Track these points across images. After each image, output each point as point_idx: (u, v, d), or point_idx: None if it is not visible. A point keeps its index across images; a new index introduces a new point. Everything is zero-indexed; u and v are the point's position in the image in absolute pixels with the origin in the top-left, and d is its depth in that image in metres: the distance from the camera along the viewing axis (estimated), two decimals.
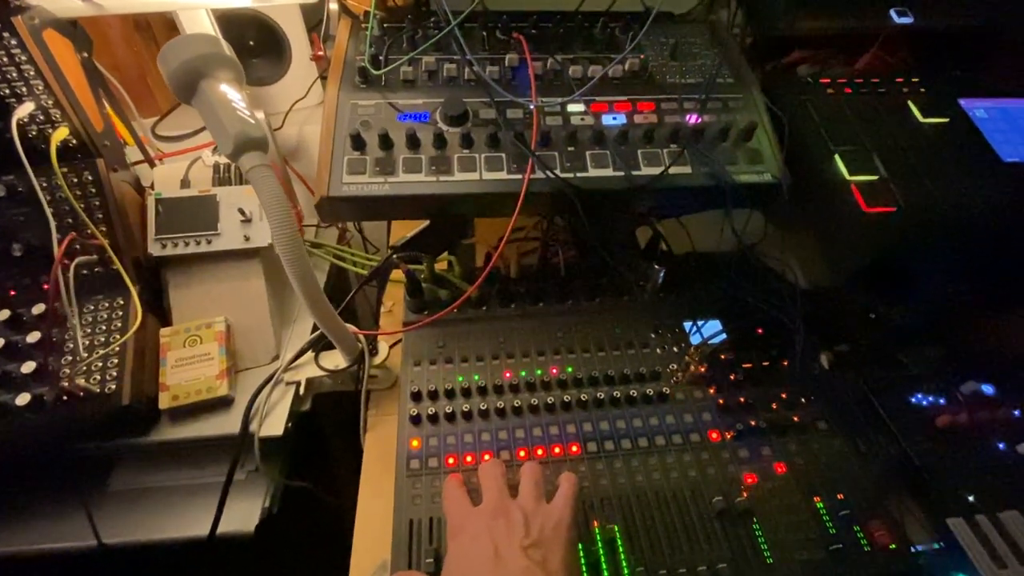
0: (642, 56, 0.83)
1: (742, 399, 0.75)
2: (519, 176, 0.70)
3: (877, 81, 0.80)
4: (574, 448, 0.69)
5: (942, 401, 0.77)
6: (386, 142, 0.71)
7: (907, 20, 0.91)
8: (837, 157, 0.70)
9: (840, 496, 0.66)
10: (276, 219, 0.59)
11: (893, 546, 0.62)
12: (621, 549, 0.61)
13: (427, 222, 0.91)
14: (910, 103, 0.77)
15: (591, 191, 0.70)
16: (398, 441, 0.70)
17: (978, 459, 0.72)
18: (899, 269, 0.68)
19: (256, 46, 1.13)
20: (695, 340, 0.81)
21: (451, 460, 0.68)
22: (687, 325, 0.83)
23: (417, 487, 0.66)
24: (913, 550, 0.64)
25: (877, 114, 0.75)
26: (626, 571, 0.59)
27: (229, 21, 1.01)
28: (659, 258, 0.86)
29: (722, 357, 0.80)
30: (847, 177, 0.68)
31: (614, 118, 0.76)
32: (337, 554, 0.66)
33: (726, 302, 0.86)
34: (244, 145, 0.59)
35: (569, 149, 0.73)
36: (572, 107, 0.77)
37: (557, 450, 0.69)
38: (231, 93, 0.61)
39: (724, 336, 0.82)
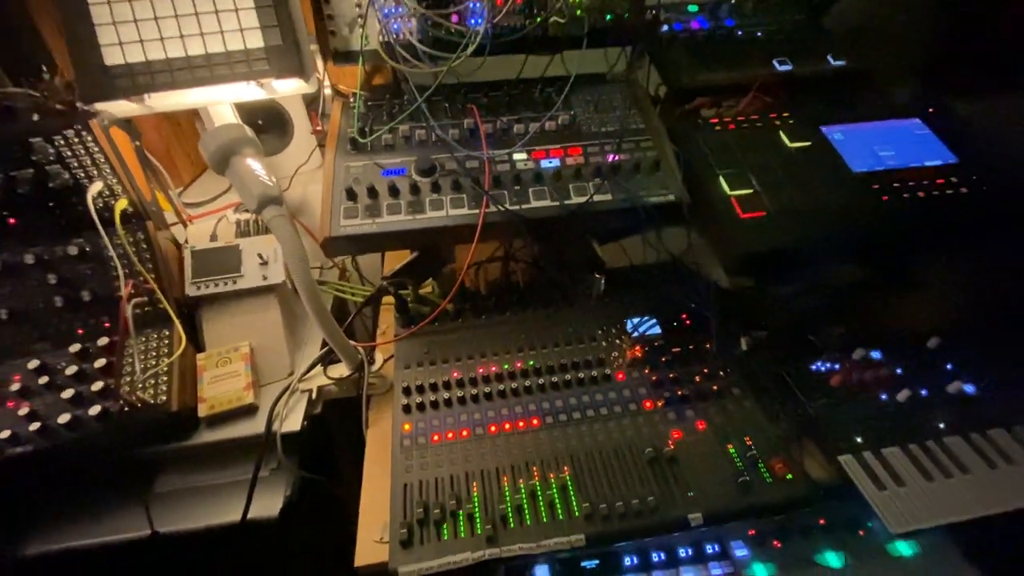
0: (572, 112, 1.05)
1: (671, 375, 0.92)
2: (477, 211, 0.90)
3: (756, 117, 1.01)
4: (535, 422, 0.86)
5: (837, 366, 0.94)
6: (372, 192, 0.92)
7: (787, 68, 1.15)
8: (721, 178, 0.90)
9: (748, 442, 0.82)
10: (291, 253, 0.78)
11: (790, 476, 0.78)
12: (571, 492, 0.77)
13: (414, 254, 1.11)
14: (780, 132, 0.98)
15: (534, 219, 0.90)
16: (393, 426, 0.87)
17: (865, 409, 0.88)
18: (778, 261, 0.86)
19: (264, 124, 1.36)
20: (633, 332, 0.99)
21: (436, 437, 0.85)
22: (627, 322, 1.01)
23: (409, 460, 0.82)
24: (811, 482, 0.80)
25: (754, 143, 0.96)
26: (575, 507, 0.75)
27: (242, 106, 1.24)
28: (598, 269, 1.05)
29: (655, 344, 0.97)
30: (728, 192, 0.88)
31: (550, 162, 0.97)
32: (342, 531, 0.81)
33: (660, 301, 1.04)
34: (265, 201, 0.79)
35: (516, 188, 0.94)
36: (517, 155, 0.98)
37: (521, 424, 0.86)
38: (254, 164, 0.83)
39: (657, 328, 1.00)
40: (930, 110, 1.03)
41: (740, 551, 0.92)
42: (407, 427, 0.86)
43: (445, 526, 0.74)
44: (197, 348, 0.99)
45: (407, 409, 0.89)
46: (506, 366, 0.94)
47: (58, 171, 0.87)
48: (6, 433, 0.79)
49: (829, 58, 1.14)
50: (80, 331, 0.91)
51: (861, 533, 0.94)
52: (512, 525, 0.74)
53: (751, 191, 0.88)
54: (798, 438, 0.86)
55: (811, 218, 0.85)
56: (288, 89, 0.98)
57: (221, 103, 1.00)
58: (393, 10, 0.98)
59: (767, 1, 1.27)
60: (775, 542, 0.93)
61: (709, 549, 0.93)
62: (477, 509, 0.75)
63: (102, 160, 0.88)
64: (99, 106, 0.90)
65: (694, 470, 0.79)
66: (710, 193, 0.89)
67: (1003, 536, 0.91)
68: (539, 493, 0.76)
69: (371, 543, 0.77)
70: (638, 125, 1.03)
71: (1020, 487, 0.78)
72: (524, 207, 0.92)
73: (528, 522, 0.74)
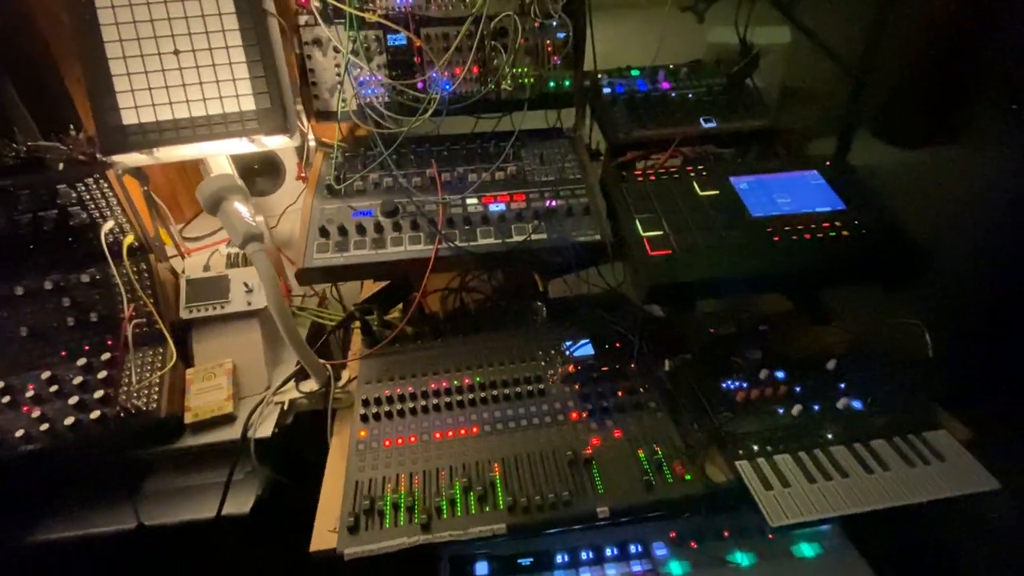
0: (520, 163, 1.23)
1: (598, 390, 1.05)
2: (431, 247, 1.06)
3: (675, 170, 1.18)
4: (474, 429, 0.99)
5: (744, 385, 1.07)
6: (342, 231, 1.08)
7: (711, 125, 1.33)
8: (636, 221, 1.06)
9: (657, 449, 0.95)
10: (267, 282, 0.94)
11: (688, 477, 0.91)
12: (499, 488, 0.89)
13: (384, 283, 1.27)
14: (694, 183, 1.14)
15: (479, 254, 1.06)
16: (351, 433, 1.00)
17: (763, 421, 1.01)
18: (681, 292, 1.01)
19: (260, 168, 1.55)
20: (568, 353, 1.13)
21: (387, 443, 0.98)
22: (564, 344, 1.15)
23: (362, 461, 0.95)
24: (710, 483, 0.92)
25: (669, 191, 1.12)
26: (500, 501, 0.87)
27: (241, 154, 1.42)
28: (541, 298, 1.20)
29: (588, 364, 1.11)
30: (641, 234, 1.04)
31: (497, 206, 1.14)
32: (307, 527, 0.92)
33: (596, 327, 1.18)
34: (248, 239, 0.95)
35: (466, 227, 1.10)
36: (469, 200, 1.15)
37: (462, 431, 0.99)
38: (241, 207, 0.99)
39: (591, 349, 1.14)
40: (827, 163, 1.20)
41: (660, 551, 1.04)
42: (363, 434, 1.00)
43: (387, 516, 0.86)
44: (187, 363, 1.13)
45: (364, 418, 1.02)
46: (455, 382, 1.07)
47: (78, 212, 1.03)
48: (20, 432, 0.92)
49: (749, 118, 1.33)
50: (87, 347, 1.05)
51: (771, 537, 1.06)
52: (445, 516, 0.86)
53: (661, 232, 1.04)
54: (706, 447, 0.99)
55: (710, 256, 1.00)
56: (275, 144, 1.16)
57: (218, 155, 1.18)
58: (366, 79, 1.16)
59: (699, 67, 1.47)
60: (692, 543, 1.05)
61: (633, 549, 1.05)
62: (416, 502, 0.88)
63: (115, 203, 1.05)
64: (116, 158, 1.08)
65: (606, 471, 0.92)
66: (628, 234, 1.05)
67: (895, 540, 1.03)
68: (471, 489, 0.89)
69: (325, 532, 0.88)
70: (575, 175, 1.20)
71: (889, 489, 0.89)
72: (471, 244, 1.07)
73: (459, 513, 0.86)
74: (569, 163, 1.22)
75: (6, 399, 0.96)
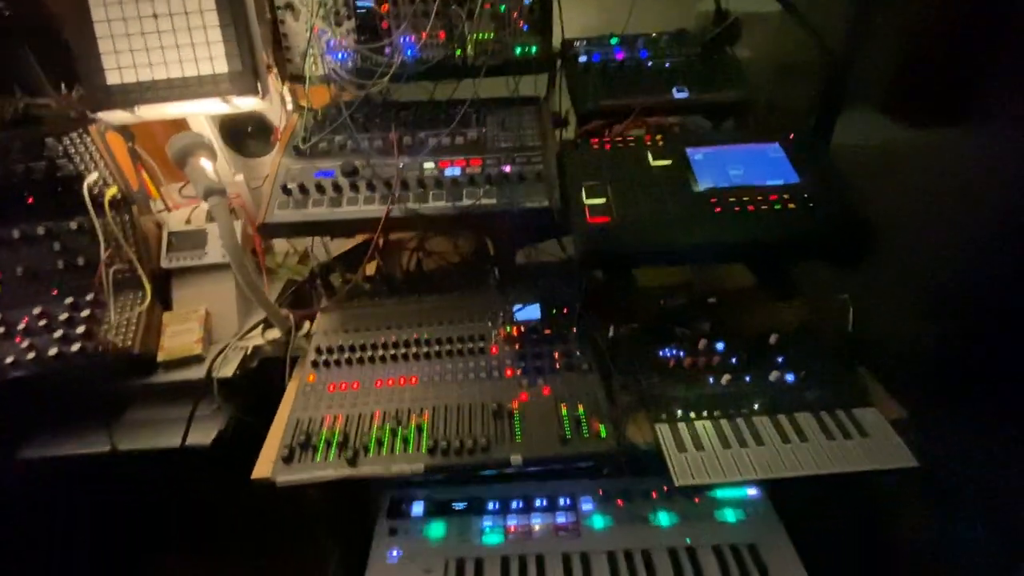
0: (483, 129, 1.25)
1: (536, 351, 1.10)
2: (384, 207, 1.11)
3: (632, 139, 1.18)
4: (413, 380, 1.06)
5: (682, 354, 1.09)
6: (303, 189, 1.14)
7: (683, 95, 1.32)
8: (583, 188, 1.08)
9: (580, 407, 0.99)
10: (225, 233, 1.01)
11: (603, 434, 0.95)
12: (424, 432, 0.96)
13: (355, 242, 1.33)
14: (648, 153, 1.15)
15: (429, 216, 1.10)
16: (300, 377, 1.08)
17: (690, 389, 1.03)
18: (616, 259, 1.03)
19: (253, 131, 1.61)
20: (515, 316, 1.17)
21: (331, 387, 1.05)
22: (513, 307, 1.19)
23: (307, 401, 1.03)
24: (624, 442, 0.96)
25: (620, 161, 1.13)
26: (424, 442, 0.94)
27: (234, 116, 1.49)
28: (494, 263, 1.24)
29: (532, 326, 1.15)
30: (584, 201, 1.06)
31: (453, 170, 1.17)
32: None
33: (546, 292, 1.22)
34: (209, 192, 1.03)
35: (419, 190, 1.14)
36: (427, 164, 1.19)
37: (402, 381, 1.06)
38: (205, 163, 1.07)
39: (538, 314, 1.18)
40: (791, 136, 1.17)
41: (587, 505, 1.10)
42: (311, 378, 1.08)
43: (320, 451, 0.94)
44: (168, 308, 1.24)
45: (315, 364, 1.10)
46: (403, 336, 1.14)
47: (65, 164, 1.13)
48: (11, 359, 1.04)
49: (725, 89, 1.30)
50: (75, 287, 1.16)
51: (696, 501, 1.10)
52: (371, 454, 0.93)
53: (603, 200, 1.06)
54: (632, 410, 1.02)
55: (647, 226, 1.02)
56: (247, 105, 1.22)
57: (195, 115, 1.26)
58: (333, 42, 1.21)
59: (682, 36, 1.44)
60: (619, 501, 1.10)
61: (561, 501, 1.10)
62: (348, 440, 0.95)
63: (98, 157, 1.14)
64: (100, 115, 1.16)
65: (527, 424, 0.97)
66: (573, 201, 1.07)
67: (821, 514, 1.05)
68: (399, 432, 0.96)
69: (267, 463, 0.97)
70: (534, 143, 1.22)
71: (801, 459, 0.91)
72: (422, 206, 1.12)
73: (384, 452, 0.93)
74: (530, 130, 1.24)
75: (1, 330, 1.08)
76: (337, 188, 1.14)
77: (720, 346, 1.11)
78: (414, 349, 1.11)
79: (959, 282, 0.95)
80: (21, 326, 1.09)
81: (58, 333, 1.08)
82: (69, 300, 1.13)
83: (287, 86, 1.31)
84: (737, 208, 1.04)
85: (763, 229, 1.02)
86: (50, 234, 1.16)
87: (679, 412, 1.00)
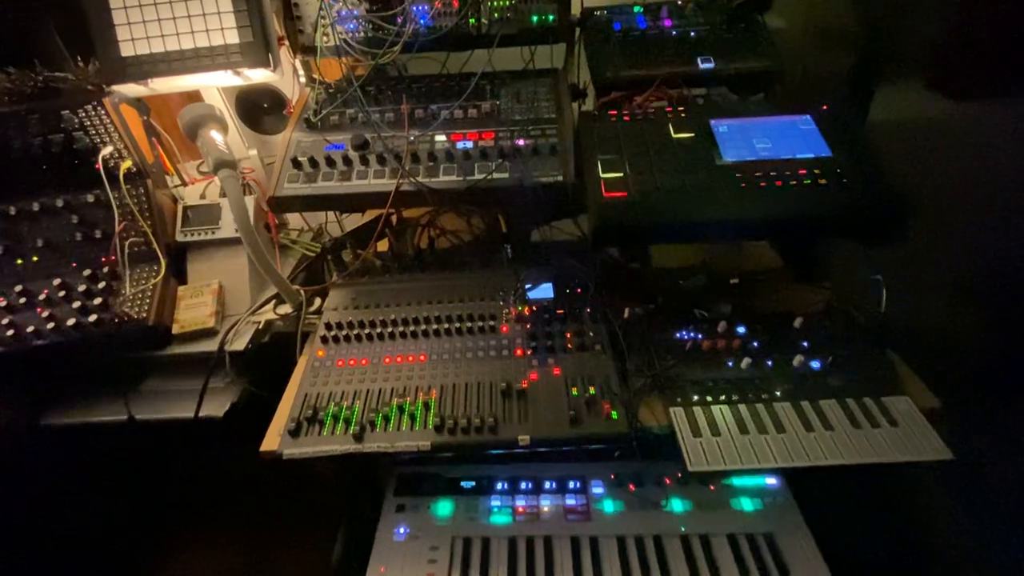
0: (497, 101, 1.21)
1: (547, 330, 1.07)
2: (394, 181, 1.09)
3: (652, 111, 1.13)
4: (422, 357, 1.04)
5: (699, 336, 1.05)
6: (313, 163, 1.12)
7: (709, 65, 1.25)
8: (599, 162, 1.03)
9: (591, 388, 0.96)
10: (234, 206, 1.00)
11: (615, 415, 0.92)
12: (432, 409, 0.94)
13: (367, 219, 1.31)
14: (670, 125, 1.09)
15: (439, 190, 1.08)
16: (309, 351, 1.07)
17: (708, 372, 0.99)
18: (632, 235, 0.99)
19: (269, 107, 1.60)
20: (527, 295, 1.14)
21: (340, 363, 1.05)
22: (525, 286, 1.16)
23: (315, 376, 1.03)
24: (637, 425, 0.92)
25: (640, 133, 1.08)
26: (431, 419, 0.92)
27: (249, 91, 1.48)
28: (507, 240, 1.21)
29: (544, 306, 1.12)
30: (600, 175, 1.01)
31: (464, 143, 1.14)
32: None
33: (559, 272, 1.18)
34: (220, 164, 1.02)
35: (429, 164, 1.11)
36: (438, 137, 1.15)
37: (411, 358, 1.04)
38: (216, 135, 1.06)
39: (551, 293, 1.15)
40: (824, 108, 1.10)
41: (597, 488, 1.07)
42: (321, 353, 1.07)
43: (327, 425, 0.93)
44: (183, 282, 1.25)
45: (324, 340, 1.09)
46: (413, 314, 1.12)
47: (81, 136, 1.14)
48: (31, 328, 1.06)
49: (752, 58, 1.23)
50: (93, 260, 1.18)
51: (712, 488, 1.06)
52: (378, 429, 0.92)
53: (620, 174, 1.01)
54: (646, 393, 0.99)
55: (665, 200, 0.97)
56: (259, 77, 1.21)
57: (208, 87, 1.25)
58: (343, 14, 1.18)
59: (710, 4, 1.36)
60: (631, 486, 1.07)
61: (571, 484, 1.08)
62: (354, 416, 0.94)
63: (112, 129, 1.14)
64: (115, 87, 1.16)
65: (537, 404, 0.94)
66: (589, 176, 1.03)
67: (834, 498, 1.00)
68: (405, 408, 0.94)
69: (275, 436, 0.97)
70: (550, 115, 1.18)
71: (825, 448, 0.86)
72: (432, 180, 1.09)
73: (391, 428, 0.92)
74: (546, 102, 1.20)
75: (23, 300, 1.10)
76: (347, 161, 1.12)
77: (741, 329, 1.06)
78: (424, 326, 1.09)
79: (1000, 265, 0.88)
80: (42, 297, 1.11)
81: (76, 304, 1.10)
82: (87, 272, 1.15)
83: (299, 58, 1.29)
84: (763, 183, 0.98)
85: (792, 205, 0.96)
86: (68, 207, 1.17)
87: (695, 396, 0.96)
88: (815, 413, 0.92)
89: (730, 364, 1.00)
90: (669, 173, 1.01)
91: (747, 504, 1.03)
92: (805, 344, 1.02)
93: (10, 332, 1.06)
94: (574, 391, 0.96)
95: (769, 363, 0.99)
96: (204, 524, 1.32)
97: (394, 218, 1.39)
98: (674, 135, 1.08)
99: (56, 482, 1.18)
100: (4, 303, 1.10)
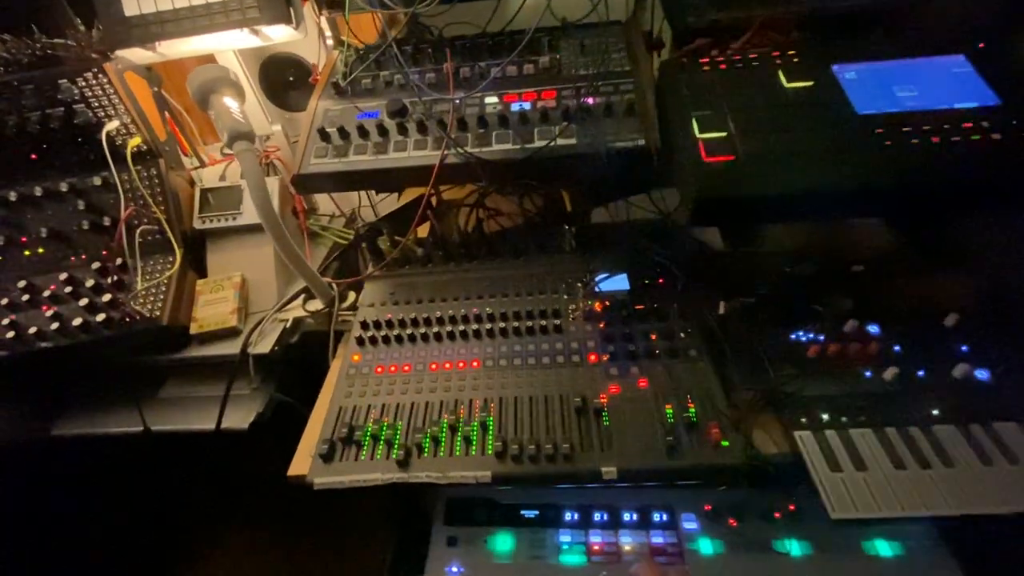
0: (557, 55, 1.01)
1: (625, 331, 0.87)
2: (437, 152, 0.91)
3: (754, 57, 0.90)
4: (475, 363, 0.87)
5: (821, 338, 0.84)
6: (343, 133, 0.95)
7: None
8: (694, 120, 0.82)
9: (690, 405, 0.76)
10: (254, 185, 0.84)
11: (725, 443, 0.72)
12: (490, 430, 0.76)
13: (406, 201, 1.14)
14: (780, 72, 0.87)
15: (491, 161, 0.89)
16: (344, 356, 0.91)
17: (840, 385, 0.78)
18: (743, 210, 0.78)
19: (294, 81, 1.44)
20: (597, 287, 0.95)
21: (379, 369, 0.88)
22: (595, 276, 0.96)
23: (351, 386, 0.86)
24: (754, 454, 0.72)
25: (744, 83, 0.86)
26: (489, 443, 0.75)
27: (272, 61, 1.33)
28: (572, 223, 1.01)
29: (618, 300, 0.93)
30: (697, 135, 0.80)
31: (520, 105, 0.94)
32: None
33: (636, 259, 0.98)
34: (235, 136, 0.85)
35: (480, 131, 0.92)
36: (488, 99, 0.96)
37: (461, 364, 0.87)
38: (230, 103, 0.89)
39: (626, 284, 0.95)
40: (980, 45, 0.85)
41: (689, 524, 0.87)
42: (356, 358, 0.91)
43: (365, 447, 0.77)
44: (201, 275, 1.10)
45: (360, 342, 0.93)
46: (461, 310, 0.94)
47: (83, 110, 1.00)
48: (34, 329, 0.94)
49: None
50: (104, 251, 1.04)
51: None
52: (427, 454, 0.75)
53: (723, 134, 0.79)
54: (758, 410, 0.78)
55: (788, 164, 0.75)
56: (279, 36, 1.04)
57: (224, 51, 1.09)
58: None
59: None
60: (731, 520, 0.87)
61: (657, 517, 0.89)
62: (397, 436, 0.78)
63: (117, 101, 1.00)
64: (119, 53, 1.01)
65: (621, 425, 0.75)
66: (680, 137, 0.82)
67: (1002, 548, 0.77)
68: (459, 428, 0.77)
69: (305, 457, 0.82)
70: (623, 68, 0.97)
71: (1014, 489, 0.65)
72: (484, 150, 0.90)
73: (442, 453, 0.75)
74: (617, 54, 0.99)
75: (26, 297, 0.98)
76: (383, 131, 0.95)
77: (873, 329, 0.84)
78: (475, 326, 0.91)
79: None
80: (46, 293, 0.99)
81: (84, 302, 0.97)
82: (96, 265, 1.02)
83: (325, 15, 1.11)
84: (915, 140, 0.76)
85: (957, 166, 0.73)
86: (73, 191, 1.04)
87: (824, 416, 0.75)
88: (991, 440, 0.70)
89: (868, 375, 0.78)
90: (788, 131, 0.79)
91: (884, 548, 0.82)
92: (964, 348, 0.79)
93: (11, 334, 0.94)
94: (667, 410, 0.76)
95: (920, 373, 0.78)
96: (229, 546, 1.20)
97: (434, 200, 1.22)
98: (787, 84, 0.85)
99: (68, 495, 1.07)
100: (6, 301, 0.97)
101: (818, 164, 0.75)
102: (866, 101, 0.81)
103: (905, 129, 0.77)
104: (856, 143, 0.76)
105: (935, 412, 0.74)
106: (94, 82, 0.98)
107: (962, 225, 0.94)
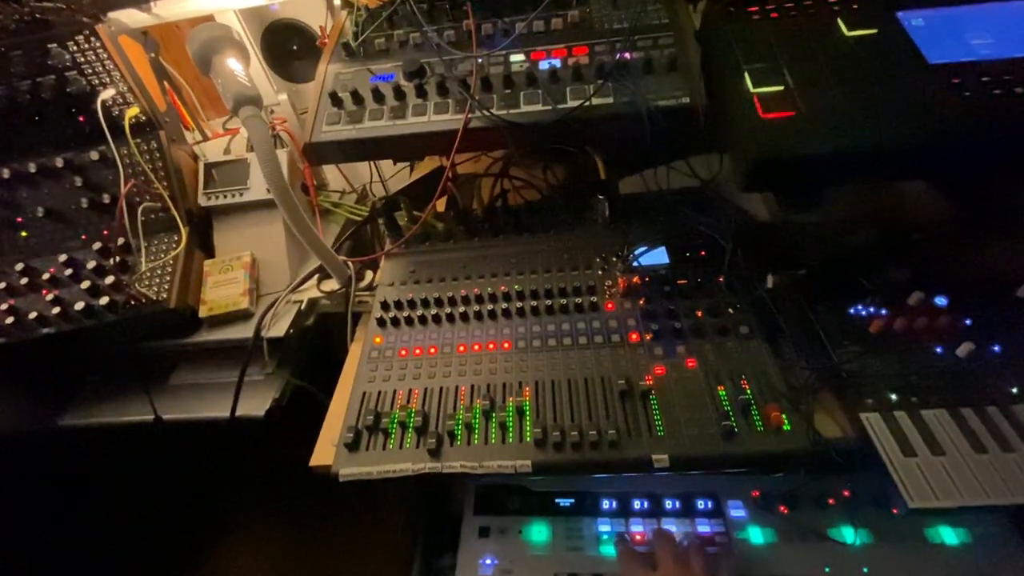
0: (587, 7, 0.92)
1: (669, 307, 0.81)
2: (460, 116, 0.83)
3: (809, 3, 0.82)
4: (505, 345, 0.80)
5: (883, 312, 0.77)
6: (357, 98, 0.87)
7: None
8: (746, 74, 0.74)
9: (744, 385, 0.70)
10: (263, 154, 0.77)
11: (787, 427, 0.66)
12: (527, 416, 0.71)
13: (421, 174, 1.07)
14: (839, 20, 0.78)
15: (521, 124, 0.81)
16: (365, 338, 0.85)
17: (909, 363, 0.72)
18: (806, 172, 0.70)
19: (298, 50, 1.36)
20: (635, 261, 0.88)
21: (403, 352, 0.82)
22: (632, 249, 0.90)
23: (374, 370, 0.81)
24: (818, 439, 0.66)
25: (799, 33, 0.78)
26: (527, 430, 0.69)
27: (275, 29, 1.24)
28: (604, 192, 0.94)
29: (659, 274, 0.86)
30: (752, 90, 0.72)
31: (549, 62, 0.87)
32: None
33: (674, 230, 0.91)
34: (241, 101, 0.78)
35: (506, 91, 0.85)
36: (514, 57, 0.88)
37: (491, 346, 0.81)
38: (235, 65, 0.81)
39: (665, 257, 0.89)
40: None
41: (737, 511, 0.82)
42: (378, 340, 0.85)
43: (392, 435, 0.72)
44: (209, 255, 1.04)
45: (381, 323, 0.87)
46: (489, 289, 0.88)
47: (76, 77, 0.93)
48: (34, 315, 0.88)
49: None
50: (105, 232, 0.98)
51: (895, 511, 0.79)
52: (459, 442, 0.70)
53: (781, 88, 0.72)
54: (817, 390, 0.72)
55: (857, 119, 0.68)
56: None
57: (223, 11, 1.01)
58: None
59: None
60: (781, 507, 0.82)
61: (701, 504, 0.84)
62: (427, 423, 0.72)
63: (111, 67, 0.92)
64: (112, 14, 0.94)
65: (671, 409, 0.69)
66: (731, 93, 0.74)
67: None
68: (493, 414, 0.71)
69: (328, 446, 0.77)
70: (661, 20, 0.88)
71: None
72: (511, 112, 0.83)
73: (476, 441, 0.70)
74: (653, 4, 0.90)
75: (25, 281, 0.92)
76: (400, 94, 0.87)
77: (941, 300, 0.77)
78: (504, 305, 0.85)
79: None
80: (46, 276, 0.93)
81: (85, 284, 0.91)
82: (97, 246, 0.95)
83: None
84: (997, 91, 0.68)
85: None
86: (69, 166, 0.97)
87: (892, 396, 0.69)
88: None
89: (939, 351, 0.72)
90: (852, 83, 0.71)
91: (949, 535, 0.77)
92: None
93: (10, 320, 0.88)
94: (720, 391, 0.70)
95: (996, 348, 0.71)
96: (242, 536, 1.16)
97: (447, 168, 1.14)
98: (847, 32, 0.77)
99: (76, 489, 1.03)
100: (4, 285, 0.92)
101: (891, 119, 0.67)
102: (937, 50, 0.73)
103: (984, 79, 0.69)
104: (932, 95, 0.69)
105: (1014, 391, 0.68)
106: (86, 46, 0.91)
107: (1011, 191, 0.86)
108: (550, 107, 0.82)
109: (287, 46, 1.33)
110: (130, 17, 0.94)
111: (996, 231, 0.85)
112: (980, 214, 0.90)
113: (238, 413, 0.92)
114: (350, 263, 0.97)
